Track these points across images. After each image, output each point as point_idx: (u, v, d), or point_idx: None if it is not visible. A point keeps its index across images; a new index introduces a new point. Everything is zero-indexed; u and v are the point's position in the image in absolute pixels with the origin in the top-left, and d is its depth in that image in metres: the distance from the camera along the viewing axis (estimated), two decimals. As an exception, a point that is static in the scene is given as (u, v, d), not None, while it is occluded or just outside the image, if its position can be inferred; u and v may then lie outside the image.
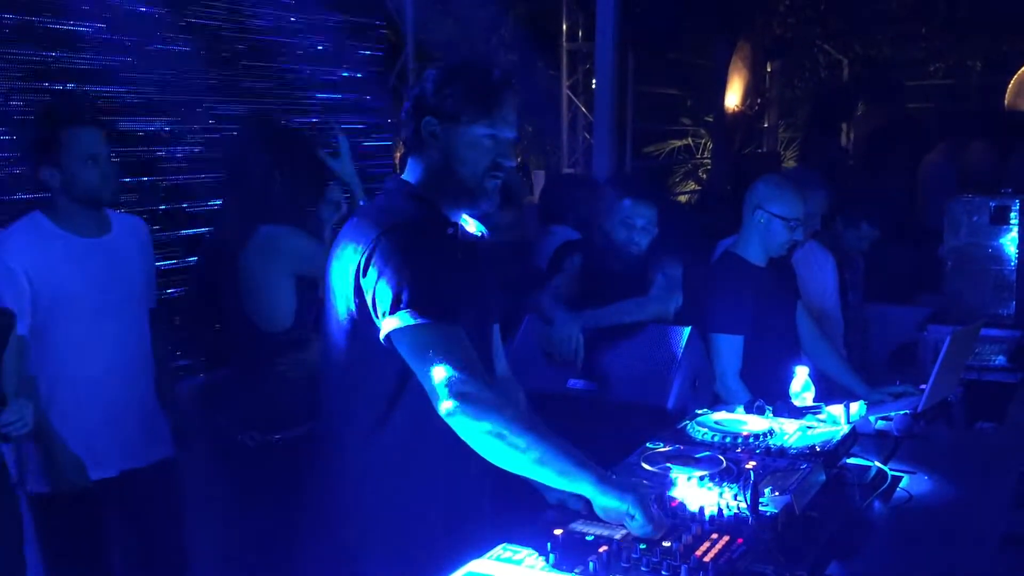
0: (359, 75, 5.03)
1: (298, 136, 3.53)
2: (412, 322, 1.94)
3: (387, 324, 1.97)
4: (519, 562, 1.81)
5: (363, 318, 2.04)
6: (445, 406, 1.91)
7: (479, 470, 2.20)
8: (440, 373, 1.91)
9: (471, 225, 2.28)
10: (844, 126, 10.49)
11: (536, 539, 1.88)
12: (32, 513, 2.94)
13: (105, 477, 3.02)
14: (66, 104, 3.33)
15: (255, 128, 3.38)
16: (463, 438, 1.95)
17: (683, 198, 10.85)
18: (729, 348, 3.35)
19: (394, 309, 1.96)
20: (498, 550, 1.86)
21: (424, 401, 2.00)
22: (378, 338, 2.00)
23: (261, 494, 3.04)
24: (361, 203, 3.35)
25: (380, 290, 1.98)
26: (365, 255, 2.00)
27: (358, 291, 2.03)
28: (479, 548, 1.86)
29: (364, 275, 2.01)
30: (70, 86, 3.60)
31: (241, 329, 3.12)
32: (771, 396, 2.88)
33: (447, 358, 1.92)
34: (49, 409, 2.89)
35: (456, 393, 1.90)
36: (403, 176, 2.20)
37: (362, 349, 2.07)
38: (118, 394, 3.05)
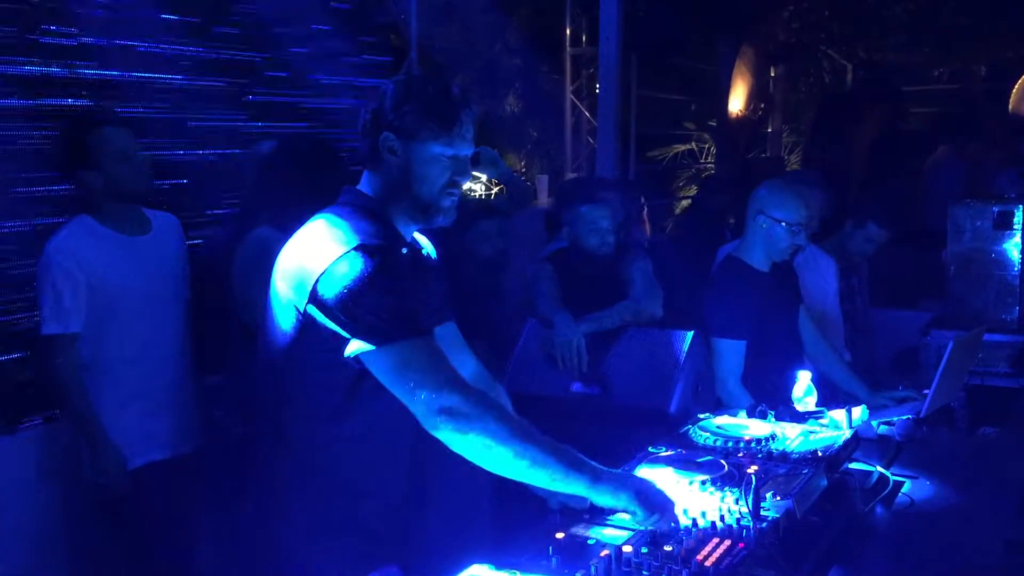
0: (362, 80, 5.04)
1: (319, 148, 3.67)
2: (385, 342, 1.93)
3: (356, 344, 1.95)
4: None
5: (315, 333, 1.99)
6: (430, 423, 1.92)
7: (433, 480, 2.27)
8: (420, 391, 1.92)
9: (423, 242, 2.30)
10: (848, 131, 10.48)
11: (537, 543, 1.88)
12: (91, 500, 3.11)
13: (150, 461, 3.15)
14: (92, 109, 3.45)
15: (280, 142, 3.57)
16: (455, 451, 1.95)
17: (686, 203, 10.85)
18: (731, 353, 3.35)
19: (364, 330, 1.93)
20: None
21: (374, 410, 2.03)
22: (328, 347, 1.97)
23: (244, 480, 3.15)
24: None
25: (347, 310, 1.94)
26: (328, 271, 1.95)
27: (316, 302, 1.97)
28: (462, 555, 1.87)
29: (326, 291, 1.95)
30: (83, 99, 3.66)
31: (235, 325, 3.28)
32: (773, 400, 2.89)
33: (425, 375, 1.93)
34: (107, 399, 3.04)
35: (439, 409, 1.90)
36: (359, 188, 2.17)
37: (311, 359, 2.03)
38: (169, 383, 3.22)
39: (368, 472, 2.12)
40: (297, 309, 2.01)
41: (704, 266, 4.09)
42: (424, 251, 2.30)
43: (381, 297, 1.94)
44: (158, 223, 3.28)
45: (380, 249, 1.99)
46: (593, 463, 1.99)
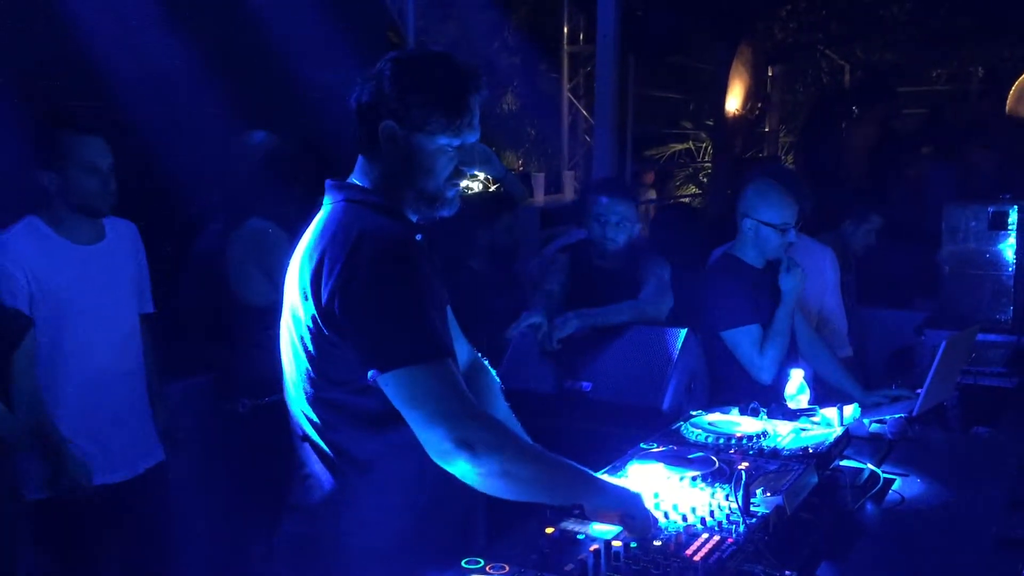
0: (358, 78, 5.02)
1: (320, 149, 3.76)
2: (397, 367, 1.79)
3: (370, 367, 1.82)
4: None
5: (331, 341, 1.88)
6: (442, 455, 1.79)
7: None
8: (432, 421, 1.78)
9: None
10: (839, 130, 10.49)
11: (528, 538, 1.89)
12: (30, 521, 2.96)
13: (104, 483, 3.01)
14: (73, 111, 3.32)
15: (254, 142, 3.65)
16: (464, 481, 1.83)
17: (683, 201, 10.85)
18: (750, 338, 3.35)
19: (377, 354, 1.81)
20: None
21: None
22: (354, 364, 1.86)
23: (257, 456, 3.15)
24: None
25: (361, 331, 1.82)
26: (340, 285, 1.82)
27: (329, 317, 1.85)
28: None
29: (339, 306, 1.82)
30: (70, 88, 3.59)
31: (233, 307, 3.39)
32: (767, 398, 2.89)
33: (438, 403, 1.79)
34: (57, 418, 2.90)
35: (454, 441, 1.77)
36: (354, 179, 2.02)
37: (341, 374, 1.91)
38: (114, 400, 3.07)
39: (422, 486, 1.97)
40: (315, 322, 1.87)
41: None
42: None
43: (395, 314, 1.82)
44: (114, 231, 3.11)
45: (388, 256, 1.85)
46: (595, 476, 1.94)
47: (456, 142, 1.96)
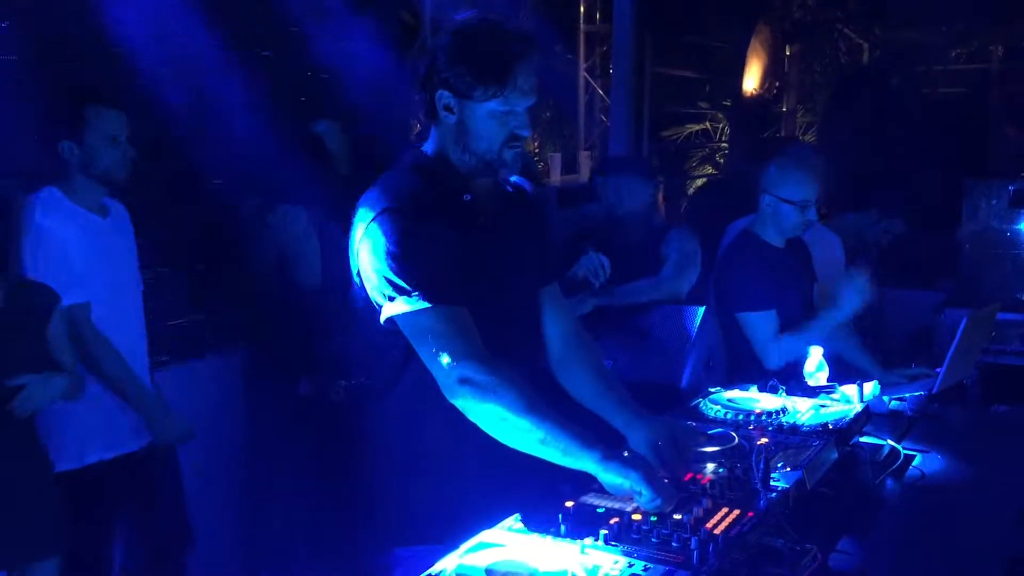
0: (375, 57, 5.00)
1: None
2: (408, 308, 1.97)
3: (386, 308, 2.00)
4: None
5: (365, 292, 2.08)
6: (448, 391, 1.96)
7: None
8: (441, 358, 1.95)
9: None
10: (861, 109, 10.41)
11: (548, 510, 1.89)
12: (62, 492, 2.97)
13: (127, 452, 3.08)
14: (94, 81, 3.32)
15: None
16: (471, 419, 1.97)
17: (700, 182, 10.82)
18: (765, 322, 3.33)
19: (391, 294, 1.99)
20: (510, 521, 1.87)
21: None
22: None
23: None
24: None
25: (376, 275, 2.00)
26: (358, 237, 2.03)
27: (357, 270, 2.07)
28: (489, 517, 1.88)
29: (359, 257, 2.04)
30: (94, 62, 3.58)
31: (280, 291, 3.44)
32: (785, 375, 2.88)
33: (447, 343, 1.95)
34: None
35: (457, 378, 1.94)
36: (423, 146, 2.18)
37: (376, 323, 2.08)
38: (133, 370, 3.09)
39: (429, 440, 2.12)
40: (359, 276, 2.07)
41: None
42: (519, 197, 2.27)
43: (405, 259, 1.97)
44: (113, 209, 3.14)
45: (405, 209, 2.00)
46: (598, 449, 1.96)
47: (504, 108, 2.06)
